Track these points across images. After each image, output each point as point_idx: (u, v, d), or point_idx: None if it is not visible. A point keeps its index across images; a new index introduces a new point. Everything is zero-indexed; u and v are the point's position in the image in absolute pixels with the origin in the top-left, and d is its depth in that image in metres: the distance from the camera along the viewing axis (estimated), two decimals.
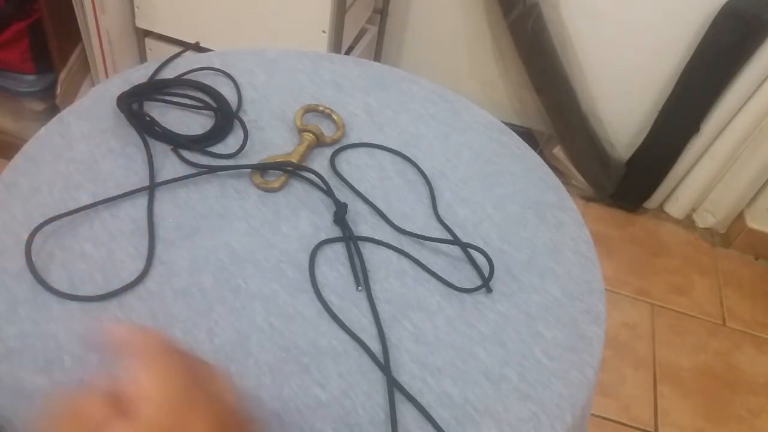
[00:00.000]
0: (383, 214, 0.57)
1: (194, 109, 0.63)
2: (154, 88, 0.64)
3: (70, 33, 1.35)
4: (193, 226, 0.53)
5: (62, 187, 0.54)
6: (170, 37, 1.38)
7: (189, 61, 0.68)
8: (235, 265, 0.51)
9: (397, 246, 0.55)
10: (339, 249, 0.54)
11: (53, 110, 1.42)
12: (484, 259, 0.53)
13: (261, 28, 1.29)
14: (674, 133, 1.54)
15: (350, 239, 0.54)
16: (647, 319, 1.47)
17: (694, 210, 1.69)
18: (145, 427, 0.29)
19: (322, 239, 0.54)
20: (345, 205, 0.56)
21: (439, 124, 0.67)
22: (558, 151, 1.63)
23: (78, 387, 0.31)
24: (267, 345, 0.46)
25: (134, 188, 0.54)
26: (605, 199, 1.68)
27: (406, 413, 0.44)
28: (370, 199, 0.58)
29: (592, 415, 1.27)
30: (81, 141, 0.58)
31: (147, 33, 1.42)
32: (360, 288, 0.51)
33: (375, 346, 0.48)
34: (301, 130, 0.62)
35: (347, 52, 1.39)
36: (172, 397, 0.30)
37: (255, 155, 0.60)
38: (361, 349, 0.47)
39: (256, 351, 0.46)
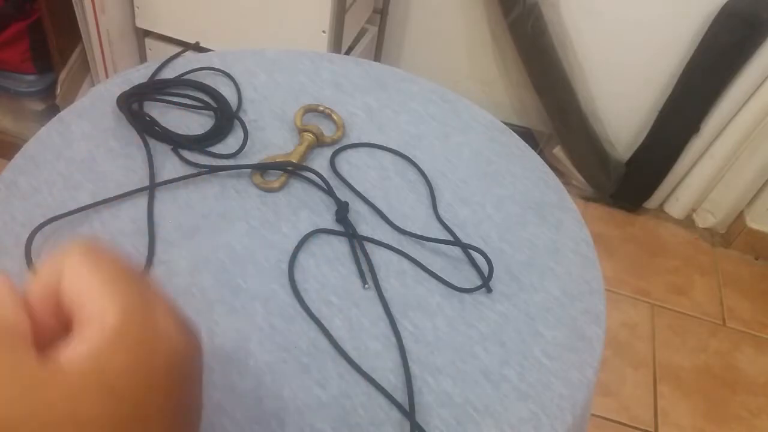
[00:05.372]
0: (383, 214, 0.57)
1: (194, 109, 0.63)
2: (154, 88, 0.64)
3: (70, 33, 1.35)
4: (193, 226, 0.53)
5: (62, 187, 0.54)
6: (170, 37, 1.38)
7: (189, 61, 0.68)
8: (235, 265, 0.51)
9: (397, 246, 0.55)
10: (339, 249, 0.54)
11: (53, 110, 1.42)
12: (484, 260, 0.53)
13: (261, 28, 1.29)
14: (674, 133, 1.54)
15: (353, 237, 0.54)
16: (647, 319, 1.47)
17: (694, 210, 1.69)
18: (113, 337, 0.23)
19: (319, 228, 0.54)
20: (347, 204, 0.56)
21: (439, 124, 0.67)
22: (558, 151, 1.63)
23: None
24: (267, 345, 0.46)
25: (134, 188, 0.54)
26: (605, 199, 1.69)
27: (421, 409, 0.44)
28: (370, 199, 0.58)
29: (592, 415, 1.27)
30: (81, 141, 0.58)
31: (147, 33, 1.42)
32: (367, 286, 0.51)
33: (379, 345, 0.48)
34: (301, 130, 0.62)
35: (347, 52, 1.39)
36: (129, 289, 0.25)
37: (255, 155, 0.60)
38: (361, 349, 0.47)
39: (256, 351, 0.46)
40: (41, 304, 0.25)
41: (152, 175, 0.56)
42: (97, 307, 0.24)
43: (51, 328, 0.24)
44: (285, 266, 0.51)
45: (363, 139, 0.64)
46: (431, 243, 0.55)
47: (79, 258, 0.25)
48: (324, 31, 1.24)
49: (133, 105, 0.61)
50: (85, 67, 1.44)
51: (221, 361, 0.45)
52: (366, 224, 0.56)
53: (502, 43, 1.56)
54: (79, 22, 1.33)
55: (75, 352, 0.23)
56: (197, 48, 0.77)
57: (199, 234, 0.53)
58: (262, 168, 0.58)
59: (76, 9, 1.30)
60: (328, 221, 0.56)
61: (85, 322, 0.24)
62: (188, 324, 0.28)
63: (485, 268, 0.53)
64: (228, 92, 0.65)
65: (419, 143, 0.64)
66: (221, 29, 1.32)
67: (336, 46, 1.27)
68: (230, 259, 0.51)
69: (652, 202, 1.69)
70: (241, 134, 0.61)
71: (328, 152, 0.62)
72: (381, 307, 0.50)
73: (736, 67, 1.38)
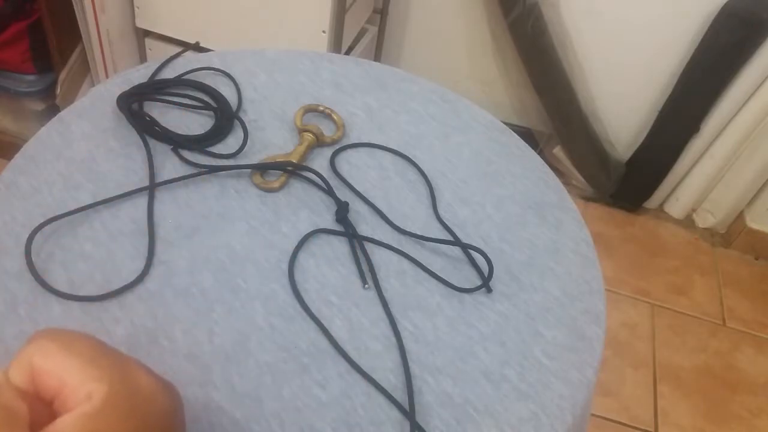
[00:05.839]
0: (383, 214, 0.57)
1: (194, 109, 0.63)
2: (154, 88, 0.64)
3: (70, 33, 1.35)
4: (193, 226, 0.53)
5: (62, 187, 0.54)
6: (170, 37, 1.38)
7: (189, 61, 0.68)
8: (235, 265, 0.51)
9: (397, 246, 0.55)
10: (339, 248, 0.54)
11: (53, 110, 1.42)
12: (484, 260, 0.53)
13: (261, 28, 1.29)
14: (674, 133, 1.54)
15: (353, 237, 0.54)
16: (647, 319, 1.47)
17: (694, 210, 1.69)
18: (103, 407, 0.25)
19: (319, 228, 0.54)
20: (346, 204, 0.56)
21: (439, 124, 0.67)
22: (558, 151, 1.63)
23: None
24: (267, 345, 0.46)
25: (134, 188, 0.54)
26: (605, 199, 1.69)
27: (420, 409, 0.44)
28: (370, 199, 0.58)
29: (592, 415, 1.27)
30: (81, 141, 0.58)
31: (147, 33, 1.42)
32: (367, 286, 0.51)
33: (379, 345, 0.48)
34: (301, 130, 0.62)
35: (347, 52, 1.39)
36: (107, 363, 0.26)
37: (255, 155, 0.60)
38: (361, 349, 0.47)
39: (256, 351, 0.46)
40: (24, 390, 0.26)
41: (152, 175, 0.56)
42: (81, 382, 0.25)
43: (38, 411, 0.26)
44: (285, 266, 0.52)
45: (363, 139, 0.64)
46: (431, 243, 0.55)
47: (48, 342, 0.26)
48: (324, 31, 1.24)
49: (133, 105, 0.61)
50: (85, 67, 1.44)
51: (221, 361, 0.45)
52: (366, 224, 0.56)
53: (502, 43, 1.56)
54: (79, 22, 1.33)
55: (66, 423, 0.24)
56: (197, 48, 0.77)
57: (199, 234, 0.53)
58: (262, 168, 0.58)
59: (76, 9, 1.30)
60: (328, 221, 0.56)
61: (71, 399, 0.25)
62: (166, 382, 0.29)
63: (485, 268, 0.53)
64: (228, 92, 0.65)
65: (419, 143, 0.64)
66: (221, 29, 1.31)
67: (336, 46, 1.27)
68: (230, 259, 0.51)
69: (652, 202, 1.69)
70: (241, 134, 0.61)
71: (328, 152, 0.62)
72: (381, 307, 0.50)
73: (736, 67, 1.38)
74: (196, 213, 0.54)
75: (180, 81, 0.65)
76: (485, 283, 0.52)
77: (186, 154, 0.59)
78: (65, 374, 0.26)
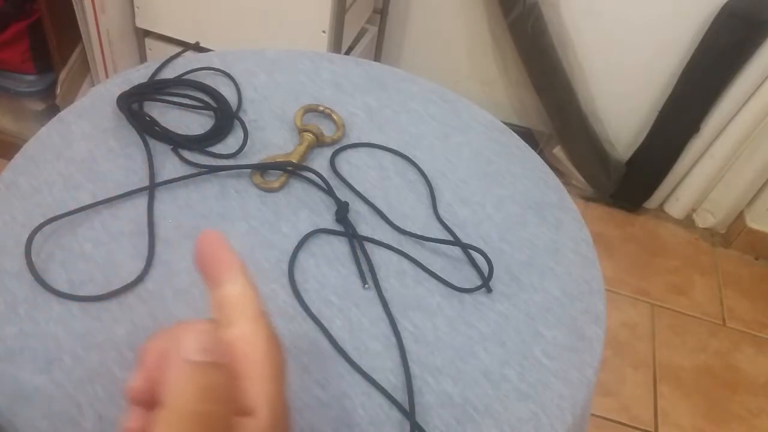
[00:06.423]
0: (383, 214, 0.57)
1: (194, 109, 0.63)
2: (154, 88, 0.64)
3: (70, 33, 1.35)
4: (193, 226, 0.53)
5: (62, 187, 0.54)
6: (170, 37, 1.38)
7: (189, 61, 0.68)
8: None
9: (397, 246, 0.55)
10: (339, 248, 0.54)
11: (53, 110, 1.42)
12: (484, 260, 0.53)
13: (261, 28, 1.29)
14: (674, 133, 1.54)
15: (354, 237, 0.54)
16: (647, 319, 1.47)
17: (694, 210, 1.69)
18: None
19: (319, 228, 0.54)
20: (346, 204, 0.56)
21: (439, 124, 0.67)
22: (558, 151, 1.63)
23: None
24: None
25: (134, 188, 0.54)
26: (605, 199, 1.69)
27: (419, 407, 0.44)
28: (370, 199, 0.58)
29: (592, 415, 1.27)
30: (81, 141, 0.58)
31: (147, 33, 1.42)
32: (367, 286, 0.51)
33: (379, 345, 0.48)
34: (301, 130, 0.62)
35: (347, 52, 1.39)
36: (282, 396, 0.28)
37: (255, 155, 0.60)
38: (361, 349, 0.47)
39: None
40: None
41: (152, 175, 0.56)
42: (261, 398, 0.27)
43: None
44: (285, 266, 0.51)
45: (363, 139, 0.64)
46: (431, 243, 0.55)
47: (260, 336, 0.28)
48: (324, 31, 1.24)
49: (133, 105, 0.61)
50: (85, 67, 1.44)
51: None
52: (366, 224, 0.56)
53: (502, 43, 1.56)
54: (79, 22, 1.33)
55: None
56: (197, 48, 0.77)
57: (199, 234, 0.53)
58: (262, 168, 0.58)
59: (76, 9, 1.30)
60: (328, 221, 0.56)
61: (249, 405, 0.26)
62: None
63: (485, 268, 0.53)
64: (228, 92, 0.65)
65: (419, 143, 0.64)
66: (221, 29, 1.31)
67: (336, 46, 1.27)
68: None
69: (652, 202, 1.69)
70: (241, 134, 0.61)
71: (328, 152, 0.62)
72: (381, 307, 0.50)
73: (736, 67, 1.38)
74: (196, 213, 0.54)
75: (180, 81, 0.65)
76: (485, 283, 0.52)
77: (186, 154, 0.59)
78: (253, 377, 0.27)
